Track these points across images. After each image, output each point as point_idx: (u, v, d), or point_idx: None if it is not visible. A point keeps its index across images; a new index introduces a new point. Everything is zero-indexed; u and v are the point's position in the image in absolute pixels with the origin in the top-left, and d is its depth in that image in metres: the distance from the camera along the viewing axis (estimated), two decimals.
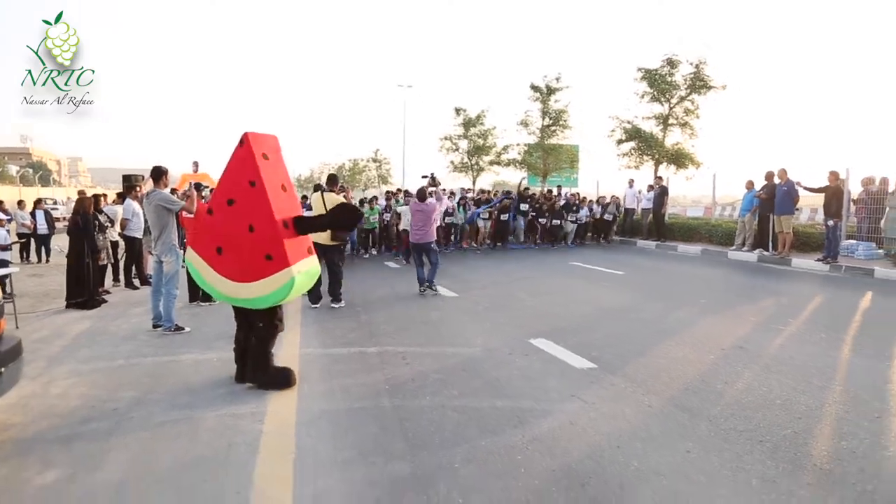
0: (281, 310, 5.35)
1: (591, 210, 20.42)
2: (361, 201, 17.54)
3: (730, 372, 5.54)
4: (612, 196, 21.41)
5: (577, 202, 20.18)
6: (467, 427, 4.29)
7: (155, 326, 7.32)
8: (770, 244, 14.82)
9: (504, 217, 18.29)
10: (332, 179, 9.47)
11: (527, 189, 20.78)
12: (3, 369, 3.91)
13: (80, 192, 10.89)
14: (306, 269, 5.17)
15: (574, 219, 19.57)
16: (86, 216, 9.07)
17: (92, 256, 8.96)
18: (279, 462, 3.75)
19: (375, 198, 18.24)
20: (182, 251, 7.65)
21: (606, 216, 20.50)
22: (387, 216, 17.09)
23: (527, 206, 18.88)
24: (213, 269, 5.08)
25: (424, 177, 11.81)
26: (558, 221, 19.07)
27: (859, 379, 5.32)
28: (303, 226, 5.17)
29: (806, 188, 14.13)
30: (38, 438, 4.14)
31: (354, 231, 15.22)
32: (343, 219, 5.73)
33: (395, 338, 6.97)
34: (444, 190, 17.46)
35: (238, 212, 4.95)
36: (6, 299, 7.72)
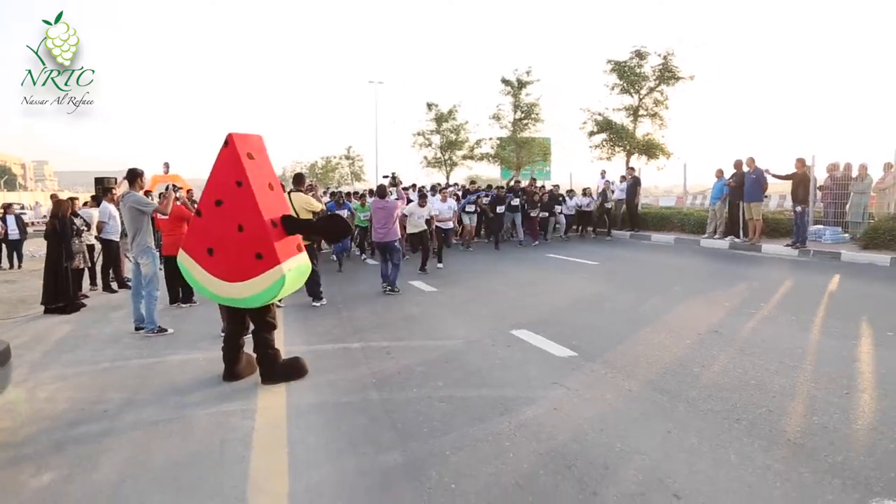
0: (272, 307, 5.42)
1: (578, 202, 19.30)
2: (348, 194, 16.91)
3: (705, 355, 5.72)
4: (605, 181, 20.33)
5: (561, 193, 19.18)
6: (454, 416, 4.40)
7: (137, 329, 7.32)
8: (741, 231, 15.14)
9: (500, 210, 17.06)
10: (299, 179, 9.15)
11: (518, 182, 19.84)
12: None
13: (54, 196, 10.78)
14: (296, 266, 5.23)
15: (560, 210, 18.62)
16: (63, 220, 8.99)
17: (68, 260, 8.89)
18: (273, 456, 3.83)
19: (365, 194, 17.11)
20: (157, 253, 7.62)
21: (607, 204, 19.51)
22: None
23: (518, 200, 17.44)
24: (206, 270, 5.13)
25: (385, 176, 11.80)
26: (546, 213, 18.12)
27: (828, 358, 5.54)
28: (291, 225, 5.23)
29: (774, 175, 14.46)
30: (29, 442, 4.16)
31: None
32: (332, 230, 5.80)
33: (378, 333, 7.06)
34: (409, 188, 16.97)
35: (227, 212, 5.01)
36: None
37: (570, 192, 19.78)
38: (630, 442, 3.87)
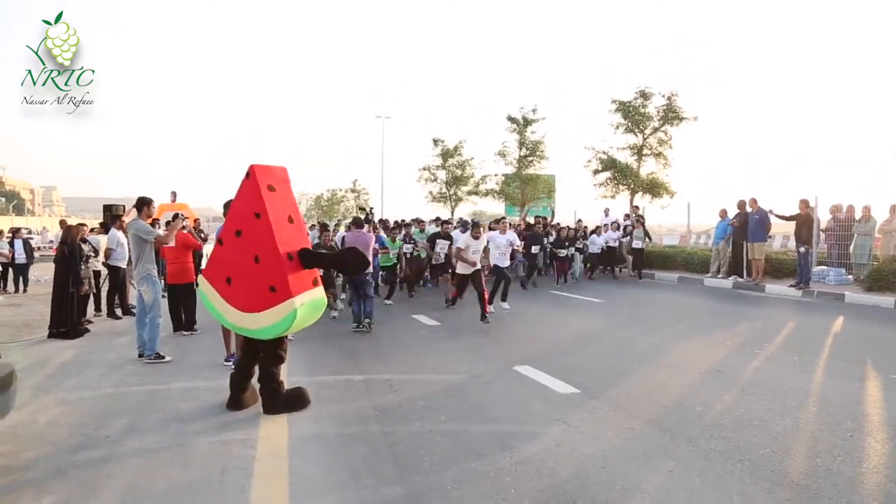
0: (285, 341, 5.44)
1: (607, 237, 17.55)
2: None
3: (708, 394, 5.71)
4: (634, 217, 18.41)
5: (582, 230, 17.48)
6: (456, 450, 4.39)
7: (140, 356, 7.32)
8: (744, 271, 15.15)
9: (535, 250, 15.02)
10: None
11: (545, 219, 17.96)
12: None
13: (63, 222, 10.88)
14: (310, 301, 5.24)
15: (581, 246, 16.89)
16: (72, 245, 9.06)
17: (76, 286, 8.94)
18: (273, 486, 3.82)
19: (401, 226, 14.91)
20: (161, 281, 7.63)
21: (635, 243, 17.52)
22: (408, 247, 13.51)
23: (548, 240, 16.14)
24: (224, 298, 5.19)
25: (362, 209, 10.96)
26: (572, 251, 16.51)
27: (832, 400, 5.52)
28: (308, 259, 5.26)
29: (778, 216, 14.53)
30: (30, 466, 4.16)
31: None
32: (350, 263, 5.82)
33: (381, 365, 7.06)
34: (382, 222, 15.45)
35: (245, 243, 5.08)
36: None
37: (597, 229, 18.04)
38: (631, 480, 3.85)
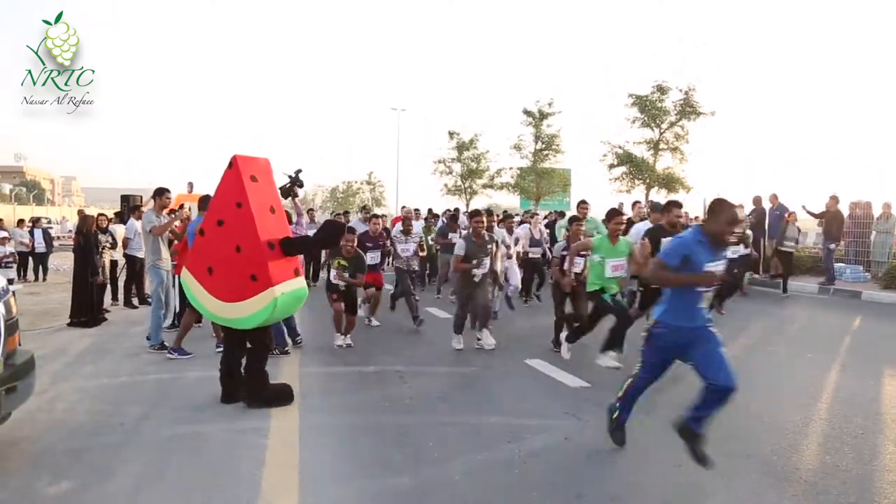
0: (271, 330, 5.47)
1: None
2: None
3: None
4: (790, 214, 13.40)
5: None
6: (465, 442, 4.43)
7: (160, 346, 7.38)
8: (760, 267, 14.92)
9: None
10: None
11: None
12: (18, 383, 4.02)
13: (80, 212, 11.01)
14: (291, 291, 5.21)
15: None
16: (87, 235, 9.18)
17: (93, 275, 9.06)
18: (284, 474, 3.88)
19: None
20: (162, 272, 7.57)
21: (787, 244, 12.96)
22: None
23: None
24: (205, 288, 5.18)
25: (287, 175, 7.47)
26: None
27: (844, 397, 5.49)
28: (290, 247, 5.28)
29: (809, 213, 14.28)
30: (47, 451, 4.25)
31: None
32: (328, 236, 5.85)
33: (393, 357, 7.09)
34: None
35: (226, 233, 5.08)
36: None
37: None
38: (640, 474, 3.88)
